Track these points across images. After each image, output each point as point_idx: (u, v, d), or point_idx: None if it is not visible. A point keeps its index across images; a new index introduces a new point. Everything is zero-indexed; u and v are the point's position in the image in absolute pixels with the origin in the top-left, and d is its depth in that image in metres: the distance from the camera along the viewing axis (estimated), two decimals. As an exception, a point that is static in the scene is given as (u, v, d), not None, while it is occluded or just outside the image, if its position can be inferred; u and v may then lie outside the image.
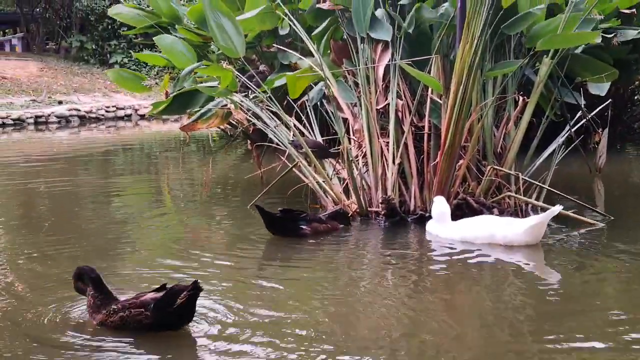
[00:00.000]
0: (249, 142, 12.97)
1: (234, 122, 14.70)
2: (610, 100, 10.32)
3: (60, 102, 28.46)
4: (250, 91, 10.06)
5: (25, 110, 26.28)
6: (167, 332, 4.90)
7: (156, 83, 15.09)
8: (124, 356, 4.59)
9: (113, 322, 4.91)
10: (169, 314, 4.83)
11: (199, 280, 4.88)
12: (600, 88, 10.15)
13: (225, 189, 11.48)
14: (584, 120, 9.36)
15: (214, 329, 4.98)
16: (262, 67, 13.35)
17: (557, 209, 7.25)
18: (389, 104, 8.83)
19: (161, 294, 4.90)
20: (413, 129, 8.83)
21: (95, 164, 15.48)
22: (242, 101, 9.87)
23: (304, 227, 7.72)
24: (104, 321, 4.95)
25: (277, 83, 10.62)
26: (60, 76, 32.60)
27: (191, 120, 10.84)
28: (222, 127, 16.53)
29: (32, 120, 25.77)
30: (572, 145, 9.31)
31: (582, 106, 9.29)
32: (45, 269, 6.57)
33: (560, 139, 9.20)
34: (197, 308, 4.98)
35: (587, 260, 6.85)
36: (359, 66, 9.06)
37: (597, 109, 9.69)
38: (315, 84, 10.04)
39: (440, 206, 7.69)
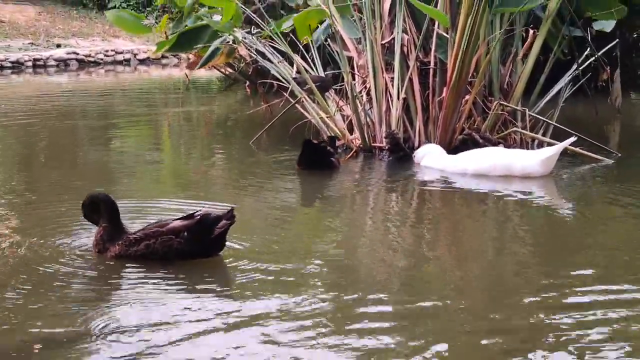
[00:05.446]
0: (247, 84, 12.74)
1: (235, 64, 14.61)
2: (617, 40, 10.18)
3: (58, 46, 28.16)
4: (253, 27, 9.88)
5: (24, 53, 26.00)
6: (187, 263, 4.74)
7: (155, 23, 14.81)
8: (154, 286, 4.43)
9: (137, 251, 4.69)
10: (206, 241, 4.73)
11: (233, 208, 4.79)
12: (605, 24, 9.98)
13: (226, 129, 11.37)
14: (592, 59, 9.22)
15: (232, 260, 4.83)
16: None
17: (571, 139, 7.26)
18: (394, 38, 8.68)
19: (192, 221, 4.72)
20: (418, 64, 8.69)
21: (95, 105, 15.28)
22: (244, 37, 9.71)
23: (332, 159, 7.73)
24: (122, 252, 4.71)
25: (285, 25, 10.41)
26: (59, 20, 32.24)
27: (202, 62, 10.69)
28: (224, 70, 16.39)
29: (30, 64, 25.48)
30: (579, 84, 9.19)
31: (589, 41, 9.14)
32: (44, 202, 6.46)
33: (567, 77, 9.08)
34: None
35: (595, 194, 6.87)
36: (364, 0, 8.88)
37: (606, 48, 9.54)
38: (321, 23, 9.86)
39: (430, 148, 7.77)
